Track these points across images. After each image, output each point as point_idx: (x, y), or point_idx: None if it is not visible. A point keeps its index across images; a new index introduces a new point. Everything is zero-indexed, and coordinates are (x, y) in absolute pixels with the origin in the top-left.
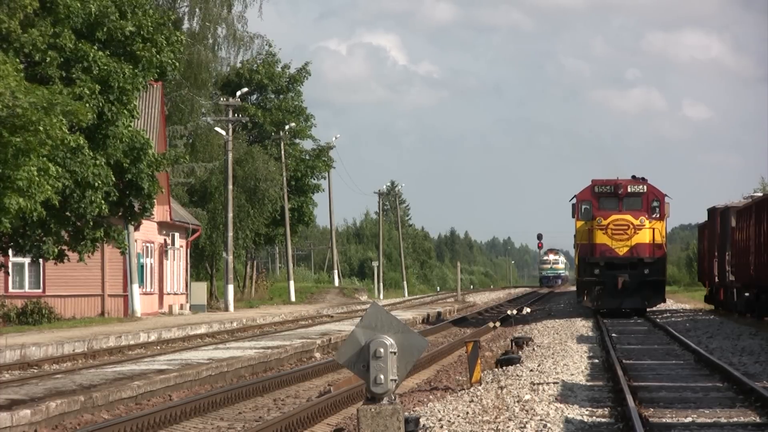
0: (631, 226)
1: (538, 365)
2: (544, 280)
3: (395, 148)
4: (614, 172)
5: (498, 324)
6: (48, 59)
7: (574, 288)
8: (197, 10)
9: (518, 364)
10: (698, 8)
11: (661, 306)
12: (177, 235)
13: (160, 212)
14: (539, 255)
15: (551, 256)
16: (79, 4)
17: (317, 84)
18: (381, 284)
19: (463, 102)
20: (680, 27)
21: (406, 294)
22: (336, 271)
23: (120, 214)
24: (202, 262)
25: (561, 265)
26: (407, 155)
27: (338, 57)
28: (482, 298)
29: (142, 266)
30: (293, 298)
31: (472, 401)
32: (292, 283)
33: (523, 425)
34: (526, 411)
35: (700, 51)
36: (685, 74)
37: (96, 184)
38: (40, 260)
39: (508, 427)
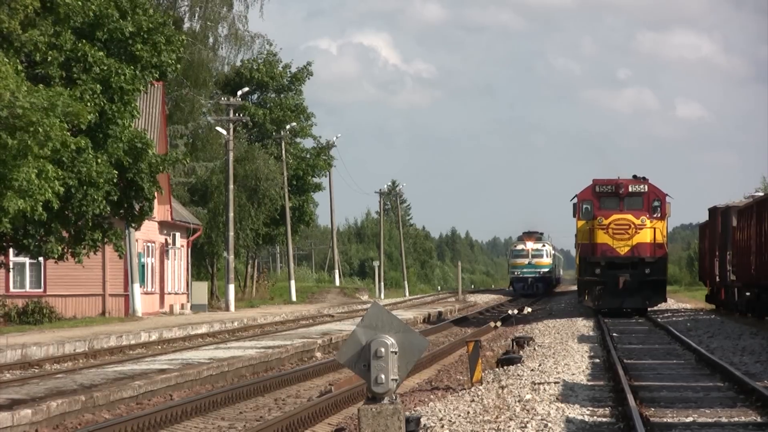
0: (632, 226)
1: (539, 365)
2: (517, 285)
3: (391, 147)
4: (612, 172)
5: (499, 324)
6: (48, 59)
7: (574, 288)
8: (198, 9)
9: (519, 364)
10: (688, 8)
11: (662, 306)
12: (178, 234)
13: (160, 212)
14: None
15: (529, 244)
16: (80, 4)
17: (308, 83)
18: (382, 284)
19: (457, 102)
20: (670, 27)
21: (407, 294)
22: (337, 271)
23: (121, 214)
24: (203, 262)
25: (546, 259)
26: (404, 154)
27: (329, 56)
28: (483, 298)
29: (143, 266)
30: (294, 298)
31: (473, 401)
32: (293, 282)
33: (524, 425)
34: (527, 411)
35: (691, 50)
36: (677, 74)
37: (99, 182)
38: (41, 260)
39: (509, 426)
